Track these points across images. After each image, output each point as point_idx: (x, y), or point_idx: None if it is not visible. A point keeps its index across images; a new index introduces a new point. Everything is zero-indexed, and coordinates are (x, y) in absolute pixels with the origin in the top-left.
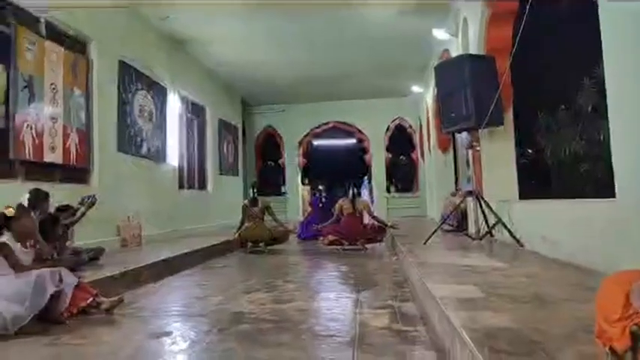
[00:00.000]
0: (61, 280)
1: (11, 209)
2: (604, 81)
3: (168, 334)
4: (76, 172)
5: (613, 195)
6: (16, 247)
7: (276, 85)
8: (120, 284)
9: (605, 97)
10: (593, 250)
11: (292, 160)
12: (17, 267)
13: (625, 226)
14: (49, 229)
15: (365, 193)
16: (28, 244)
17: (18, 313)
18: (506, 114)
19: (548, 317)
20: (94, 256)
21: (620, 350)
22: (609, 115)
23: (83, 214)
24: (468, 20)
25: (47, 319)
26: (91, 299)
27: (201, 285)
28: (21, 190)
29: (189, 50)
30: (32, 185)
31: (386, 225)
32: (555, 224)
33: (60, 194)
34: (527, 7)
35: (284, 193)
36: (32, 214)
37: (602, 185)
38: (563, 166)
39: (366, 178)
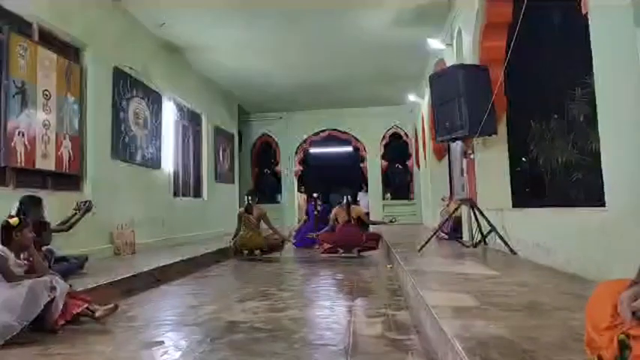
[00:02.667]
0: (54, 288)
1: (16, 219)
2: (595, 91)
3: (160, 343)
4: (68, 179)
5: (604, 204)
6: (10, 257)
7: (272, 93)
8: (109, 294)
9: (596, 106)
10: (585, 258)
11: (288, 168)
12: (9, 277)
13: (616, 235)
14: (39, 236)
15: (363, 200)
16: (22, 256)
17: (8, 324)
18: (500, 123)
19: (541, 326)
20: (79, 264)
21: (608, 359)
22: (599, 125)
23: (78, 220)
24: (463, 30)
25: (40, 328)
26: (84, 307)
27: (194, 293)
28: (12, 198)
29: (186, 57)
30: (23, 192)
31: (384, 223)
32: (548, 232)
33: (52, 202)
34: (521, 18)
35: (280, 200)
36: (30, 227)
37: (594, 194)
38: (556, 175)
39: (364, 186)
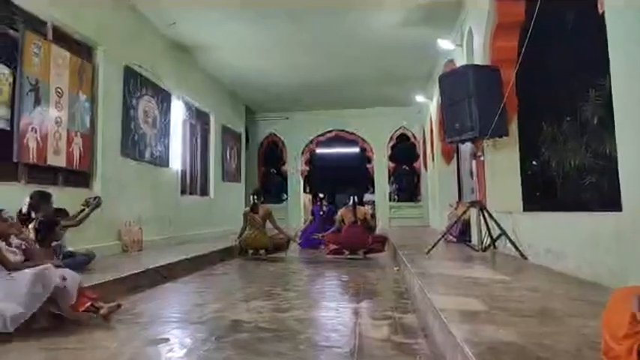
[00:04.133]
0: (64, 279)
1: None
2: (611, 93)
3: (165, 341)
4: (78, 175)
5: (619, 209)
6: (2, 245)
7: (280, 93)
8: (115, 290)
9: (611, 109)
10: (598, 264)
11: (295, 168)
12: (6, 263)
13: (631, 241)
14: (49, 231)
15: (370, 202)
16: (12, 243)
17: (16, 312)
18: (511, 125)
19: (553, 332)
20: (87, 260)
21: None
22: (616, 127)
23: (87, 215)
24: (474, 30)
25: (59, 317)
26: (89, 304)
27: (199, 292)
28: (23, 193)
29: (195, 56)
30: (34, 188)
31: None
32: (560, 237)
33: (62, 198)
34: (534, 18)
35: (285, 200)
36: (7, 217)
37: (608, 199)
38: (568, 179)
39: (370, 187)
